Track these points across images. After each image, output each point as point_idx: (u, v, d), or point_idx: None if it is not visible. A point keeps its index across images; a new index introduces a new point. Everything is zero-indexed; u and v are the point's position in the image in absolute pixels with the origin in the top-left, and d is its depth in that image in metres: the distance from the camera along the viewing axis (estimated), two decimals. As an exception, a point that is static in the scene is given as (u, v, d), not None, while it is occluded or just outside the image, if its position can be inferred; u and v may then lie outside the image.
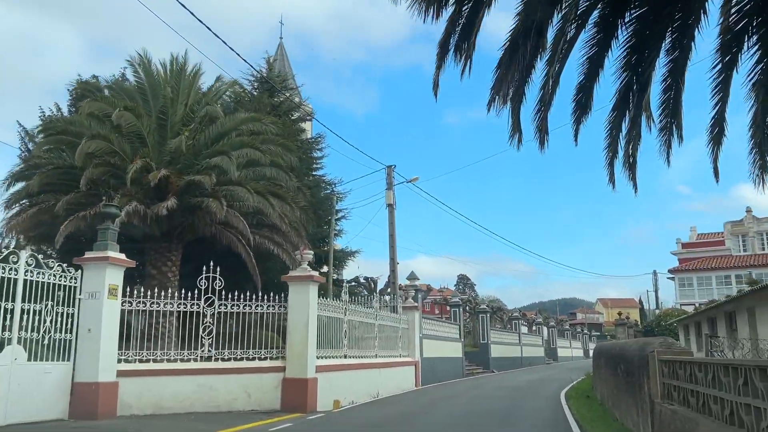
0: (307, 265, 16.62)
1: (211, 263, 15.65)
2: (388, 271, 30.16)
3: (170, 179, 17.10)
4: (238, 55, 16.89)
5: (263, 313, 16.24)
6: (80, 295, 13.77)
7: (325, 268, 27.26)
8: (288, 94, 33.63)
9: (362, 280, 39.04)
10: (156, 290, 15.17)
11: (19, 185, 18.21)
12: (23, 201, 17.97)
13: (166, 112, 17.96)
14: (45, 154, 18.02)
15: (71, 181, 17.16)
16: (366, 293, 31.20)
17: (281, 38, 51.75)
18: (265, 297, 16.27)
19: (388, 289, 31.48)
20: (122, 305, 14.35)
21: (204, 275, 15.55)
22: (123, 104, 16.91)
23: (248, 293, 16.11)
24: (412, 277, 29.08)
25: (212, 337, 15.47)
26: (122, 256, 14.23)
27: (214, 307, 15.63)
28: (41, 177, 16.89)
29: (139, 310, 14.76)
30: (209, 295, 15.61)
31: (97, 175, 16.42)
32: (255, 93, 27.73)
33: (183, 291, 15.56)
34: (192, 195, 17.40)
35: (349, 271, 42.42)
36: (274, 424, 13.16)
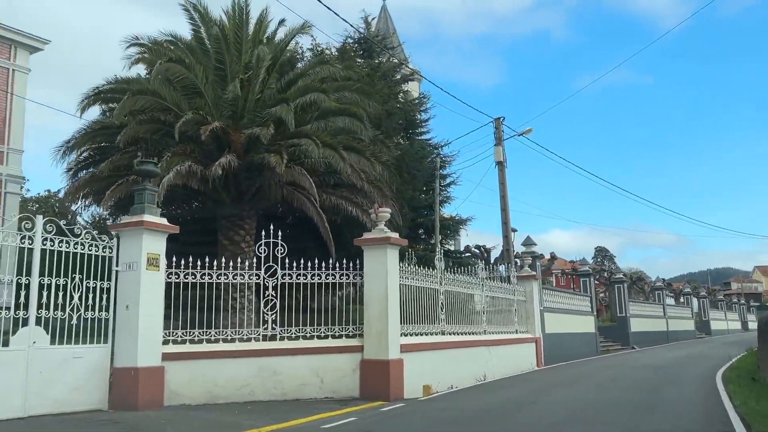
0: (385, 225, 13.91)
1: (271, 227, 13.37)
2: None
3: (229, 134, 15.02)
4: (328, 8, 14.15)
5: (335, 283, 13.77)
6: (117, 266, 11.95)
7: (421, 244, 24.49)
8: (389, 54, 31.17)
9: (474, 250, 35.82)
10: (226, 262, 13.07)
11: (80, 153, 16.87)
12: (78, 167, 16.66)
13: (224, 61, 15.85)
14: (101, 119, 16.57)
15: (144, 140, 15.53)
16: (481, 263, 28.13)
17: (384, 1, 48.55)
18: (337, 265, 13.77)
19: (505, 260, 28.17)
20: (168, 277, 12.38)
21: (263, 241, 13.29)
22: (169, 56, 14.93)
23: (321, 262, 13.65)
24: (528, 242, 25.56)
25: (276, 312, 13.21)
26: (162, 220, 12.21)
27: (277, 278, 13.33)
28: (86, 139, 15.39)
29: (188, 283, 12.69)
30: (270, 263, 13.35)
31: (143, 132, 14.63)
32: (350, 55, 25.18)
33: (256, 262, 13.49)
34: (255, 152, 15.22)
35: (462, 242, 39.38)
36: (337, 417, 10.65)
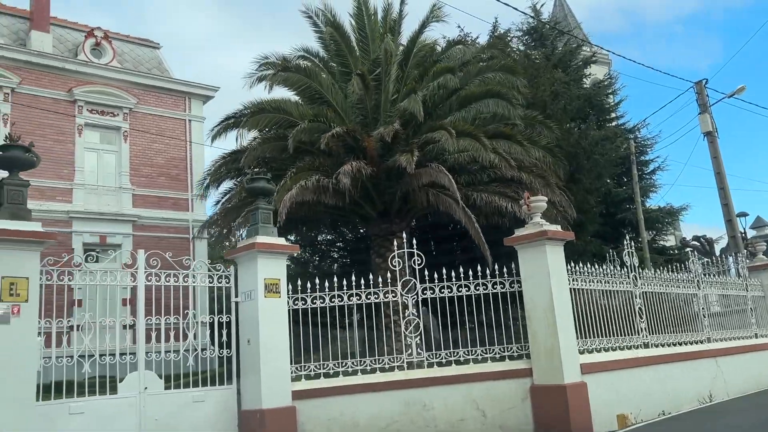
0: (541, 217, 11.29)
1: (404, 234, 11.48)
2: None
3: (359, 140, 13.47)
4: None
5: (488, 294, 11.38)
6: (235, 297, 10.81)
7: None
8: (565, 34, 28.34)
9: (693, 243, 30.46)
10: (374, 281, 11.37)
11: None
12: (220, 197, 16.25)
13: (348, 63, 14.52)
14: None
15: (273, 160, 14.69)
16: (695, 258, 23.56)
17: (560, -14, 44.94)
18: (487, 271, 11.40)
19: (732, 250, 23.22)
20: (294, 304, 10.95)
21: (396, 252, 11.39)
22: (291, 67, 13.86)
23: (468, 270, 11.41)
24: (760, 224, 20.63)
25: (419, 334, 11.17)
26: (278, 240, 10.86)
27: (417, 294, 11.32)
28: (219, 168, 14.79)
29: (316, 308, 11.13)
30: (408, 278, 11.39)
31: (269, 151, 13.72)
32: (505, 41, 22.73)
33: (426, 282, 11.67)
34: (389, 155, 13.52)
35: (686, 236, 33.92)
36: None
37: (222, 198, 16.35)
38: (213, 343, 10.41)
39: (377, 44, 14.79)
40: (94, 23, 25.11)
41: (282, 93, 15.99)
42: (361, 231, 15.41)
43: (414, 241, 11.46)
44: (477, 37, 20.56)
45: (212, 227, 15.88)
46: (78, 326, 10.20)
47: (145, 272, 9.97)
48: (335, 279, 11.15)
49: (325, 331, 10.96)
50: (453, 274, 11.29)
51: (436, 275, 11.27)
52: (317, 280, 11.07)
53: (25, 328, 8.19)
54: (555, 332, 10.70)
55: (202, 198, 16.14)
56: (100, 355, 9.43)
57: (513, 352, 11.21)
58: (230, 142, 15.63)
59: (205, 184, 16.17)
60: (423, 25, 15.26)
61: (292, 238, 18.25)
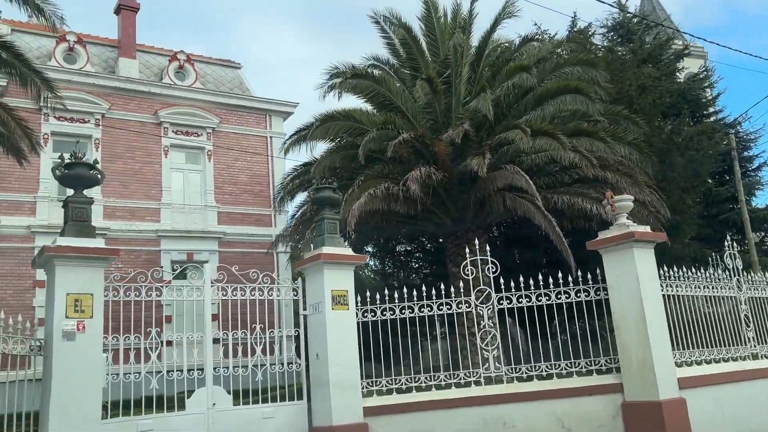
0: (627, 218, 10.36)
1: (476, 241, 10.84)
2: None
3: (429, 145, 12.97)
4: None
5: (571, 302, 10.53)
6: (303, 310, 10.52)
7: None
8: (655, 25, 26.95)
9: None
10: (456, 291, 10.79)
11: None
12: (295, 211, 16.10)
13: (418, 66, 14.06)
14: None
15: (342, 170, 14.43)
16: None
17: (652, -19, 42.66)
18: (569, 278, 10.57)
19: None
20: (364, 316, 10.52)
21: (469, 260, 10.76)
22: (360, 74, 13.56)
23: (548, 278, 10.62)
24: None
25: (497, 347, 10.48)
26: (345, 250, 10.46)
27: (492, 304, 10.63)
28: (292, 181, 14.63)
29: (386, 320, 10.63)
30: (483, 287, 10.72)
31: (338, 161, 13.41)
32: (585, 36, 21.61)
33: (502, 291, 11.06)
34: (461, 159, 12.93)
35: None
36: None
37: (296, 211, 16.27)
38: (283, 358, 10.13)
39: (447, 45, 14.27)
40: (180, 46, 25.87)
41: (353, 102, 15.75)
42: (440, 240, 14.78)
43: (488, 248, 10.81)
44: (555, 34, 19.62)
45: (287, 240, 15.77)
46: (166, 341, 10.23)
47: (212, 286, 9.84)
48: (404, 290, 10.65)
49: (397, 345, 10.46)
50: (532, 282, 10.54)
51: (513, 284, 10.56)
52: (386, 292, 10.62)
53: (90, 345, 8.19)
54: (647, 343, 9.74)
55: (278, 212, 16.09)
56: (168, 371, 9.34)
57: (601, 365, 10.31)
58: (307, 154, 15.48)
59: (278, 198, 16.12)
60: (495, 23, 14.60)
61: (370, 249, 17.93)
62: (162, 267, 14.51)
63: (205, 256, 22.43)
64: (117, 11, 24.12)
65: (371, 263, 22.50)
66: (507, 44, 15.52)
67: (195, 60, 25.01)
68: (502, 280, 10.52)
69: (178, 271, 10.12)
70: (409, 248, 20.74)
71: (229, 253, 22.47)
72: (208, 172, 23.46)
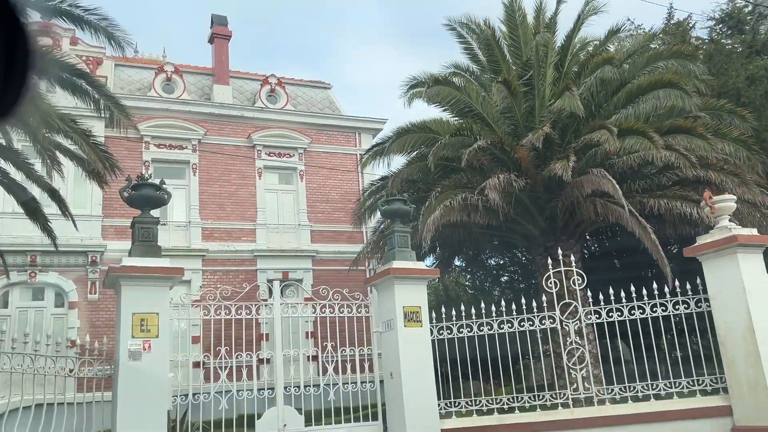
0: (731, 220, 9.24)
1: (558, 250, 10.05)
2: None
3: (510, 151, 12.29)
4: None
5: (669, 315, 9.49)
6: (375, 328, 10.14)
7: None
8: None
9: None
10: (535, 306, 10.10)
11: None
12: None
13: (499, 69, 13.43)
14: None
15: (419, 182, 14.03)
16: None
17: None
18: (666, 289, 9.54)
19: None
20: (440, 333, 9.99)
21: (551, 271, 9.97)
22: (439, 81, 13.11)
23: (642, 289, 9.64)
24: None
25: (585, 365, 9.61)
26: (417, 264, 10.01)
27: (579, 319, 9.77)
28: (370, 197, 14.30)
29: (463, 338, 10.01)
30: (569, 300, 9.89)
31: (416, 174, 12.95)
32: (685, 28, 20.07)
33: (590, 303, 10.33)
34: (544, 165, 12.16)
35: None
36: None
37: (378, 226, 15.95)
38: (356, 377, 9.78)
39: (529, 47, 13.56)
40: (272, 69, 26.50)
41: (434, 113, 15.31)
42: (523, 251, 13.99)
43: (572, 259, 10.00)
44: (651, 29, 18.35)
45: (369, 257, 15.49)
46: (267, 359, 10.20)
47: (281, 303, 9.67)
48: (482, 305, 10.02)
49: (476, 364, 9.84)
50: (624, 294, 9.61)
51: (601, 296, 9.68)
52: (463, 308, 10.04)
53: (156, 364, 8.18)
54: (758, 361, 8.58)
55: (360, 228, 15.91)
56: (238, 391, 9.22)
57: (705, 385, 9.22)
58: (385, 169, 15.19)
59: (359, 215, 15.90)
60: (579, 20, 13.72)
61: (459, 262, 17.33)
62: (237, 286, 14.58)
63: (299, 274, 22.64)
64: (210, 40, 25.08)
65: (461, 277, 21.89)
66: (595, 41, 14.58)
67: (286, 83, 25.50)
68: (600, 294, 9.69)
69: (246, 290, 9.97)
70: (501, 261, 19.96)
71: (322, 270, 22.55)
72: (301, 191, 23.72)
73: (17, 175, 12.08)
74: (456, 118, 14.00)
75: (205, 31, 25.74)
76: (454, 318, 9.93)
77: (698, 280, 9.44)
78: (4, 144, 10.89)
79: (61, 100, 11.53)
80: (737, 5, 24.72)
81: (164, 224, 21.41)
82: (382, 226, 15.69)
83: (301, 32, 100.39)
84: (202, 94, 24.29)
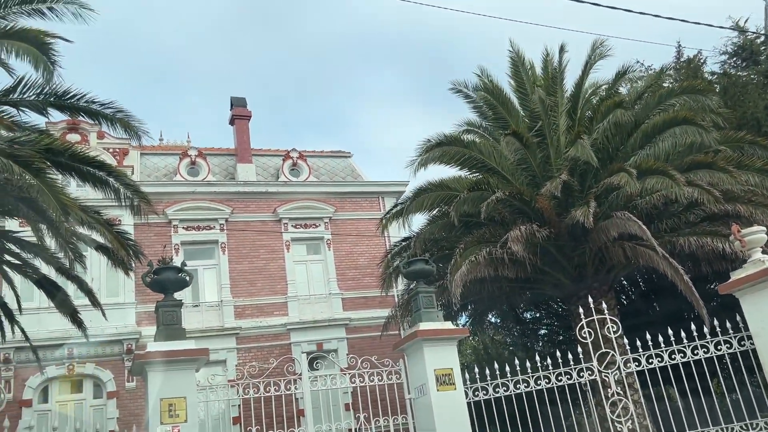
0: (761, 252, 8.92)
1: (589, 297, 9.79)
2: None
3: (530, 201, 12.19)
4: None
5: (711, 357, 9.08)
6: (408, 394, 9.89)
7: None
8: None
9: None
10: (578, 358, 9.77)
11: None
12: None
13: (507, 123, 13.46)
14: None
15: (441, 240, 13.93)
16: None
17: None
18: (705, 329, 9.17)
19: None
20: (474, 395, 9.68)
21: (584, 321, 9.68)
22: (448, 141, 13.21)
23: (680, 332, 9.29)
24: None
25: (630, 417, 9.17)
26: (444, 324, 9.80)
27: (618, 368, 9.41)
28: (394, 257, 14.23)
29: (500, 398, 9.68)
30: (605, 349, 9.55)
31: (437, 232, 12.88)
32: (696, 64, 20.05)
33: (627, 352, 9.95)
34: (566, 213, 12.02)
35: None
36: None
37: (405, 288, 15.82)
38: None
39: (538, 97, 13.63)
40: (293, 143, 26.97)
41: (452, 171, 15.36)
42: (558, 302, 13.68)
43: (604, 306, 9.71)
44: (661, 69, 18.38)
45: (398, 320, 15.31)
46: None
47: (309, 376, 9.52)
48: (516, 361, 9.73)
49: (516, 424, 9.47)
50: (661, 338, 9.26)
51: (639, 343, 9.34)
52: (496, 365, 9.76)
53: (184, 450, 8.04)
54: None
55: (386, 292, 15.87)
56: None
57: (760, 429, 8.69)
58: (406, 229, 15.15)
59: (386, 277, 15.81)
60: (587, 66, 13.80)
61: (493, 318, 17.01)
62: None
63: (334, 344, 22.44)
64: (231, 122, 25.78)
65: (498, 333, 21.46)
66: (605, 85, 14.62)
67: (307, 155, 25.97)
68: (637, 340, 9.37)
69: (273, 365, 9.83)
70: (537, 314, 19.53)
71: (356, 339, 22.36)
72: (329, 260, 23.77)
73: (47, 269, 12.39)
74: (473, 174, 14.01)
75: (225, 113, 26.57)
76: (488, 377, 9.64)
77: (738, 318, 9.06)
78: (36, 241, 11.21)
79: (90, 192, 11.93)
80: (749, 37, 24.71)
81: (196, 305, 21.66)
82: (411, 287, 15.55)
83: (319, 102, 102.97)
84: (227, 174, 24.80)
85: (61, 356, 18.60)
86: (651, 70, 18.40)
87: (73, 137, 20.57)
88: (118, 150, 22.23)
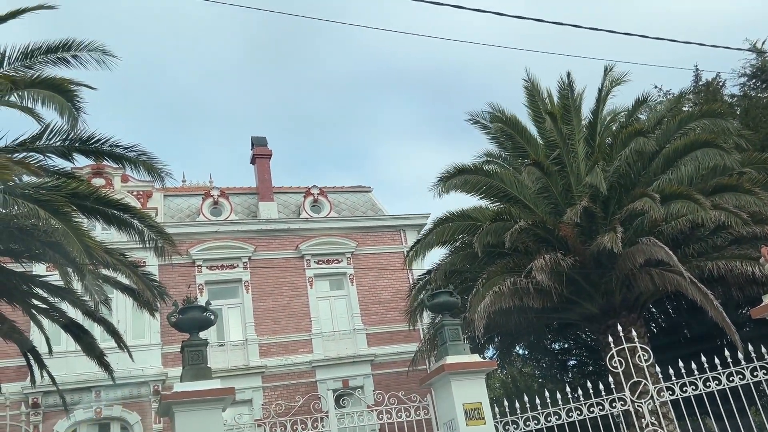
0: (795, 273, 8.72)
1: (618, 326, 9.61)
2: None
3: (553, 230, 12.10)
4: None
5: (748, 384, 8.82)
6: (438, 430, 9.72)
7: None
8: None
9: None
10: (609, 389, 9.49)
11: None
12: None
13: (526, 153, 13.45)
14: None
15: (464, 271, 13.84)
16: None
17: (782, 18, 39.31)
18: (739, 355, 8.93)
19: None
20: (504, 429, 9.49)
21: (614, 350, 9.48)
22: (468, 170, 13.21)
23: (713, 358, 9.08)
24: None
25: (667, 449, 8.91)
26: (471, 357, 9.67)
27: (651, 397, 9.17)
28: (417, 291, 14.12)
29: (531, 431, 9.48)
30: (637, 378, 9.33)
31: (459, 263, 12.80)
32: (714, 87, 19.97)
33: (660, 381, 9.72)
34: (591, 241, 11.89)
35: None
36: None
37: (432, 321, 15.68)
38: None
39: (558, 127, 13.63)
40: (314, 179, 27.14)
41: (471, 201, 15.31)
42: (587, 332, 13.46)
43: (634, 334, 9.53)
44: (680, 92, 18.31)
45: (426, 355, 15.13)
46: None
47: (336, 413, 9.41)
48: (546, 394, 9.55)
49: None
50: (695, 366, 9.04)
51: (671, 371, 9.12)
52: (526, 398, 9.58)
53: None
54: None
55: (412, 327, 15.75)
56: None
57: (802, 457, 8.39)
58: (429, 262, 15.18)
59: (411, 311, 15.70)
60: (601, 93, 13.80)
61: (521, 350, 16.76)
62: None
63: (359, 381, 22.20)
64: (252, 161, 26.07)
65: (526, 365, 21.13)
66: (624, 112, 14.60)
67: (328, 191, 26.08)
68: (670, 369, 9.14)
69: (299, 403, 9.74)
70: (566, 345, 19.21)
71: (382, 375, 22.12)
72: (353, 295, 23.67)
73: (74, 313, 12.48)
74: (495, 204, 13.98)
75: (246, 152, 26.92)
76: (518, 411, 9.45)
77: (773, 342, 8.83)
78: (62, 285, 11.33)
79: (115, 235, 12.08)
80: (767, 59, 24.60)
81: (222, 345, 21.66)
82: (437, 320, 15.42)
83: (338, 139, 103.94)
84: (249, 212, 24.98)
85: (89, 399, 18.62)
86: (670, 94, 18.35)
87: (98, 181, 20.88)
88: (141, 192, 22.56)
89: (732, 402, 8.68)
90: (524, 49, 12.82)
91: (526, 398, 9.57)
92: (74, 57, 10.07)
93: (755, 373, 8.81)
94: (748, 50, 21.18)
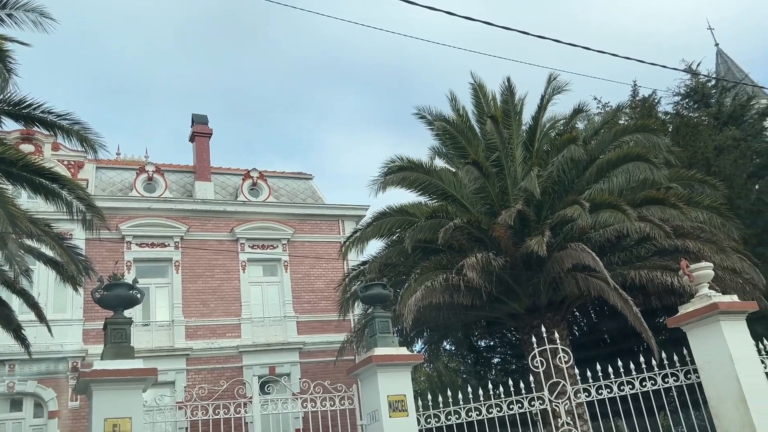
0: (708, 288, 9.19)
1: (542, 327, 9.90)
2: None
3: (487, 230, 12.36)
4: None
5: (659, 389, 9.25)
6: (360, 420, 9.80)
7: None
8: (737, 92, 25.63)
9: None
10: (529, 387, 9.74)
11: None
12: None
13: (466, 153, 13.66)
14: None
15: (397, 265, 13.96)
16: None
17: (717, 45, 41.04)
18: (653, 362, 9.35)
19: None
20: (426, 422, 9.64)
21: (536, 350, 9.77)
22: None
23: (629, 363, 9.46)
24: None
25: (579, 448, 9.25)
26: (399, 350, 9.77)
27: (568, 398, 9.51)
28: (351, 283, 14.20)
29: (452, 425, 9.68)
30: (557, 379, 9.65)
31: (394, 257, 12.90)
32: (649, 103, 20.76)
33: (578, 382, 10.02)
34: (521, 242, 12.20)
35: None
36: None
37: (363, 312, 15.76)
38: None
39: (499, 130, 13.89)
40: (254, 162, 26.69)
41: (412, 197, 15.43)
42: (512, 331, 13.82)
43: (556, 336, 9.84)
44: (617, 105, 18.93)
45: (353, 345, 15.22)
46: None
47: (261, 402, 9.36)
48: (469, 389, 9.76)
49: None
50: (611, 370, 9.42)
51: (589, 373, 9.47)
52: (449, 393, 9.76)
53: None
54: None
55: (343, 317, 15.80)
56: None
57: (703, 462, 8.88)
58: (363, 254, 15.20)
59: (343, 301, 15.74)
60: (543, 101, 14.16)
61: (448, 346, 17.04)
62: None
63: (287, 368, 22.10)
64: (191, 139, 25.50)
65: (452, 360, 21.53)
66: (562, 120, 15.02)
67: (267, 176, 25.77)
68: (588, 371, 9.48)
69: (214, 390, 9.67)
70: (491, 342, 19.66)
71: (310, 363, 22.07)
72: (286, 282, 23.49)
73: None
74: (433, 201, 14.15)
75: (185, 130, 26.30)
76: (441, 405, 9.63)
77: (685, 351, 9.29)
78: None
79: (42, 204, 11.61)
80: (701, 80, 25.71)
81: (147, 324, 21.15)
82: (368, 311, 15.50)
83: (282, 123, 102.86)
84: (184, 191, 24.43)
85: (2, 373, 17.89)
86: (608, 107, 18.98)
87: (27, 148, 19.99)
88: (73, 163, 21.75)
89: (642, 404, 9.09)
90: (473, 51, 12.99)
91: (449, 393, 9.75)
92: (9, 15, 9.63)
93: (666, 380, 9.24)
94: (683, 71, 22.12)
